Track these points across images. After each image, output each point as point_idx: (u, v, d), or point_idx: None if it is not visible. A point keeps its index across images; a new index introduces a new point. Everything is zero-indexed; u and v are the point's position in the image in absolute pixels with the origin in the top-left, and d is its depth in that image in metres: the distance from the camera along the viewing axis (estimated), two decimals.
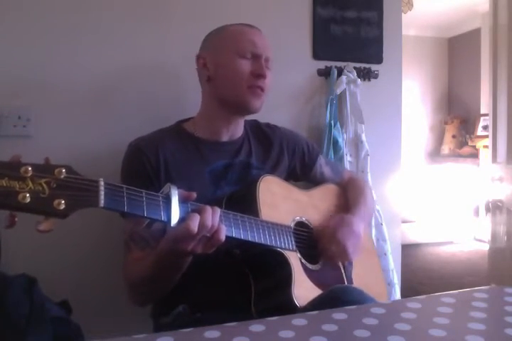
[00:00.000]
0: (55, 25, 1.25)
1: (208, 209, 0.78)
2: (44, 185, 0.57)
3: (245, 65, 1.04)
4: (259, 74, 1.04)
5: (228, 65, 1.04)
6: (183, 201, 0.76)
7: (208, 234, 0.78)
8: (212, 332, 0.59)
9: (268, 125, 1.22)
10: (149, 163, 1.01)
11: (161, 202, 0.73)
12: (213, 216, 0.78)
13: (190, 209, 0.77)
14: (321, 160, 1.26)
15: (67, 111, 1.26)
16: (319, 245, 1.06)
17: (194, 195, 0.78)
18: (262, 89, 1.06)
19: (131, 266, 0.98)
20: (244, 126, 1.16)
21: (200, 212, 0.77)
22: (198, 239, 0.77)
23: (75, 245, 1.26)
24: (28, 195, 0.55)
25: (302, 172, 1.23)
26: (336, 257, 1.05)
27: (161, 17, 1.33)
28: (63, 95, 1.26)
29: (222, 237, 0.79)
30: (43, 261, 1.21)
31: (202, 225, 0.75)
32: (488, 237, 2.42)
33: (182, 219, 0.74)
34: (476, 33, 4.22)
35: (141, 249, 0.97)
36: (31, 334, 0.79)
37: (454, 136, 4.40)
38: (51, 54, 1.25)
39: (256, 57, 1.05)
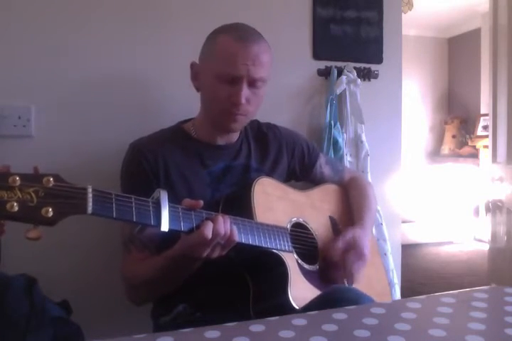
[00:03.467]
0: (55, 25, 1.25)
1: (220, 218, 0.82)
2: (32, 194, 0.59)
3: (221, 90, 0.98)
4: (233, 102, 0.99)
5: (207, 85, 1.02)
6: (173, 205, 0.78)
7: (222, 241, 0.82)
8: (212, 332, 0.59)
9: (268, 125, 1.21)
10: (149, 165, 1.01)
11: (150, 207, 0.74)
12: (225, 223, 0.82)
13: (180, 213, 0.79)
14: (321, 160, 1.25)
15: (67, 111, 1.26)
16: (326, 265, 1.05)
17: (201, 203, 0.81)
18: (240, 113, 1.01)
19: (131, 267, 0.98)
20: (245, 127, 1.16)
21: (212, 220, 0.81)
22: (212, 245, 0.81)
23: (75, 245, 1.26)
24: (15, 203, 0.57)
25: (302, 173, 1.23)
26: (340, 279, 1.06)
27: (161, 18, 1.33)
28: (63, 95, 1.26)
29: (236, 238, 0.83)
30: (43, 261, 1.21)
31: (216, 232, 0.80)
32: (488, 237, 2.42)
33: (173, 224, 0.77)
34: (476, 33, 4.22)
35: (140, 251, 0.98)
36: (31, 334, 0.79)
37: (454, 136, 4.40)
38: (51, 54, 1.25)
39: (236, 81, 0.97)
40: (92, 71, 1.28)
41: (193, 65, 1.07)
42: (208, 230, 0.78)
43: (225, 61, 0.97)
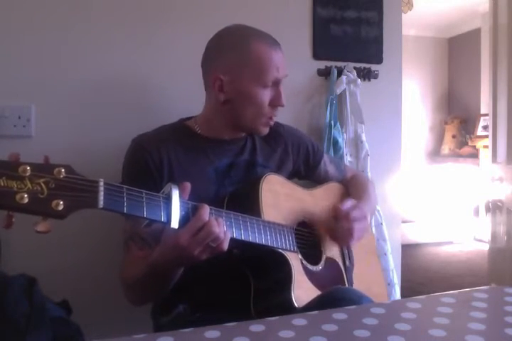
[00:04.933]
0: (55, 25, 1.25)
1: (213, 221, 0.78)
2: (43, 185, 0.56)
3: (266, 96, 1.02)
4: (277, 105, 1.04)
5: (248, 94, 1.00)
6: (184, 200, 0.76)
7: (214, 245, 0.79)
8: (212, 332, 0.58)
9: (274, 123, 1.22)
10: (152, 161, 0.99)
11: (161, 203, 0.73)
12: (219, 226, 0.79)
13: (190, 209, 0.77)
14: (325, 159, 1.25)
15: (67, 111, 1.26)
16: (327, 222, 1.06)
17: (188, 184, 0.79)
18: (274, 116, 1.06)
19: (128, 266, 0.98)
20: None
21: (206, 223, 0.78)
22: (204, 243, 0.78)
23: (75, 245, 1.26)
24: (26, 195, 0.54)
25: (306, 172, 1.23)
26: (339, 238, 1.05)
27: (162, 17, 1.33)
28: (63, 95, 1.26)
29: (225, 247, 0.80)
30: (43, 261, 1.21)
31: (207, 233, 0.77)
32: (488, 237, 2.42)
33: (183, 220, 0.75)
34: (476, 33, 4.22)
35: (140, 249, 0.97)
36: (31, 334, 0.79)
37: (454, 136, 4.40)
38: (52, 54, 1.25)
39: (276, 84, 1.03)
40: (92, 71, 1.28)
41: (217, 79, 1.00)
42: (205, 211, 0.77)
43: (270, 67, 1.00)
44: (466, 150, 4.18)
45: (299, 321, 0.62)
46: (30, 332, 0.79)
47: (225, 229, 0.80)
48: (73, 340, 0.89)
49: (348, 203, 1.06)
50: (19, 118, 1.22)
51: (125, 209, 0.67)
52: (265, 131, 1.08)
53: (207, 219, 0.77)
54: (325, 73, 1.50)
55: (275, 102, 1.03)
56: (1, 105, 1.21)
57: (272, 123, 1.07)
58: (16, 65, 1.23)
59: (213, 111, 1.07)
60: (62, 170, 0.59)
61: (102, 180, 0.64)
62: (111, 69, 1.30)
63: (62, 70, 1.25)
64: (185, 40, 1.34)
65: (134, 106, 1.31)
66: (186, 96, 1.32)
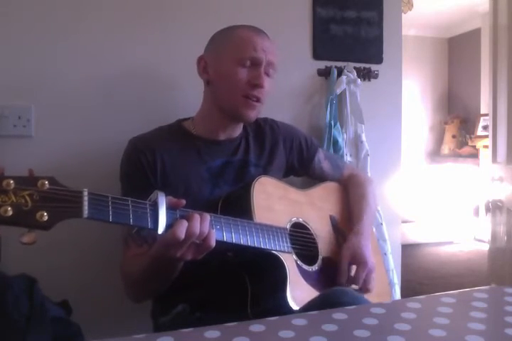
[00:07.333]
0: (55, 25, 1.25)
1: (196, 216, 0.77)
2: (27, 198, 0.58)
3: (242, 74, 1.02)
4: (255, 84, 1.02)
5: (225, 72, 1.03)
6: (171, 208, 0.76)
7: (198, 241, 0.78)
8: (212, 332, 0.59)
9: (265, 120, 1.22)
10: (146, 162, 1.01)
11: (148, 210, 0.73)
12: (202, 222, 0.77)
13: (178, 216, 0.76)
14: (320, 155, 1.25)
15: (67, 111, 1.26)
16: (331, 271, 1.06)
17: (183, 202, 0.78)
18: (258, 99, 1.04)
19: (127, 262, 0.98)
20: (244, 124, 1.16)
21: (188, 218, 0.76)
22: (186, 246, 0.77)
23: (75, 245, 1.26)
24: (9, 208, 0.56)
25: (301, 167, 1.23)
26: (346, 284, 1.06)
27: (162, 17, 1.33)
28: (63, 95, 1.26)
29: (213, 243, 0.79)
30: (43, 262, 1.21)
31: (189, 232, 0.75)
32: (488, 237, 2.42)
33: (169, 226, 0.74)
34: (476, 33, 4.22)
35: (138, 246, 0.97)
36: (31, 335, 0.79)
37: (454, 136, 4.40)
38: (51, 54, 1.25)
39: (255, 65, 1.03)
40: (92, 71, 1.28)
41: (201, 59, 1.08)
42: (181, 230, 0.74)
43: (247, 46, 1.02)
44: (466, 150, 4.18)
45: (299, 321, 0.62)
46: (30, 332, 0.79)
47: (208, 228, 0.79)
48: (73, 340, 0.90)
49: (347, 257, 1.05)
50: (19, 118, 1.22)
51: (110, 217, 0.67)
52: (251, 114, 1.05)
53: (182, 237, 0.75)
54: (325, 73, 1.50)
55: (253, 81, 1.02)
56: (1, 105, 1.21)
57: (256, 105, 1.04)
58: (16, 65, 1.23)
59: (207, 105, 1.09)
60: (46, 182, 0.60)
61: (85, 189, 0.64)
62: (111, 70, 1.29)
63: (62, 70, 1.25)
64: (184, 40, 1.34)
65: (134, 106, 1.31)
66: (188, 96, 1.31)
